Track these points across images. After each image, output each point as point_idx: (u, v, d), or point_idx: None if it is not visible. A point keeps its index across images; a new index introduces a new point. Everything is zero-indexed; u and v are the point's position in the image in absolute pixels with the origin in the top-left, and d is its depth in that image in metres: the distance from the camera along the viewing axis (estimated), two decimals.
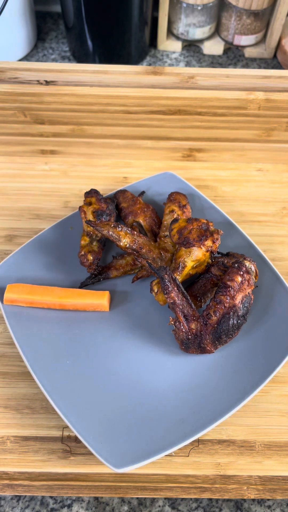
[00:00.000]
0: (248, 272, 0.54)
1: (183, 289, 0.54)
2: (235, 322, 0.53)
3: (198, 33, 0.84)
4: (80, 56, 0.83)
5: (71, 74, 0.66)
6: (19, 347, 0.55)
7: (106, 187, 0.71)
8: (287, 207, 0.70)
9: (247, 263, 0.56)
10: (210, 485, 0.51)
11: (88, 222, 0.58)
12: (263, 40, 0.87)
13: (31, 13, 0.82)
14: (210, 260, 0.58)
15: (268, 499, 0.52)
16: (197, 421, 0.51)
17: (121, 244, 0.58)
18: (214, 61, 0.86)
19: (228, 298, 0.53)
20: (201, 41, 0.86)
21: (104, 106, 0.67)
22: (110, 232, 0.58)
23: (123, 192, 0.66)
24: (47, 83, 0.65)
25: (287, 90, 0.66)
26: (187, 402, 0.52)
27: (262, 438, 0.53)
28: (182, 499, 0.52)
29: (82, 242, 0.62)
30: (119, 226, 0.58)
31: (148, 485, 0.51)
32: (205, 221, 0.58)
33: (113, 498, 0.52)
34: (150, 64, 0.86)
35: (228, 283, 0.53)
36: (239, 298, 0.53)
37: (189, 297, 0.54)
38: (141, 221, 0.63)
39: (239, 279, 0.54)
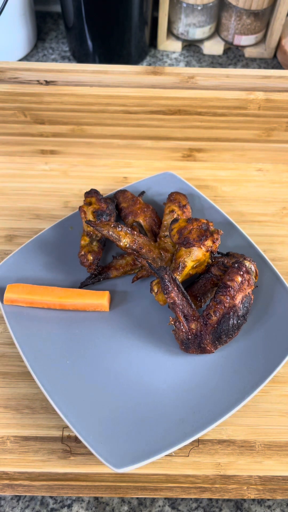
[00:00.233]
0: (248, 272, 0.54)
1: (183, 289, 0.54)
2: (235, 322, 0.53)
3: (198, 33, 0.84)
4: (80, 56, 0.83)
5: (71, 74, 0.65)
6: (19, 347, 0.55)
7: (106, 187, 0.71)
8: (287, 207, 0.70)
9: (247, 263, 0.56)
10: (210, 485, 0.51)
11: (88, 222, 0.58)
12: (263, 40, 0.87)
13: (31, 13, 0.82)
14: (210, 260, 0.58)
15: (268, 499, 0.52)
16: (197, 421, 0.51)
17: (121, 244, 0.58)
18: (214, 61, 0.86)
19: (228, 298, 0.53)
20: (201, 41, 0.86)
21: (104, 106, 0.67)
22: (110, 232, 0.58)
23: (123, 192, 0.66)
24: (47, 83, 0.65)
25: (287, 90, 0.66)
26: (187, 402, 0.52)
27: (262, 438, 0.53)
28: (182, 499, 0.52)
29: (82, 242, 0.62)
30: (119, 226, 0.58)
31: (148, 485, 0.51)
32: (205, 221, 0.58)
33: (113, 498, 0.52)
34: (150, 64, 0.86)
35: (228, 283, 0.53)
36: (239, 298, 0.53)
37: (189, 297, 0.54)
38: (141, 221, 0.63)
39: (239, 279, 0.54)
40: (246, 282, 0.54)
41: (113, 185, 0.71)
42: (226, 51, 0.88)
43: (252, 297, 0.55)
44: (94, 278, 0.60)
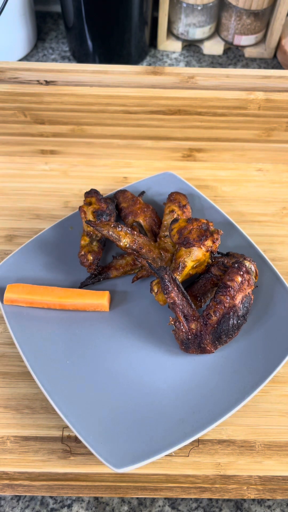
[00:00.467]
0: (248, 272, 0.54)
1: (183, 289, 0.54)
2: (235, 322, 0.53)
3: (198, 33, 0.84)
4: (80, 56, 0.83)
5: (71, 74, 0.65)
6: (19, 347, 0.55)
7: (106, 187, 0.71)
8: (287, 207, 0.70)
9: (247, 263, 0.56)
10: (210, 485, 0.51)
11: (88, 222, 0.58)
12: (263, 40, 0.87)
13: (31, 13, 0.82)
14: (210, 260, 0.58)
15: (268, 499, 0.52)
16: (197, 421, 0.51)
17: (121, 244, 0.58)
18: (214, 61, 0.86)
19: (228, 298, 0.53)
20: (201, 41, 0.86)
21: (104, 106, 0.67)
22: (110, 232, 0.58)
23: (123, 192, 0.66)
24: (47, 83, 0.65)
25: (287, 90, 0.66)
26: (187, 402, 0.52)
27: (262, 438, 0.53)
28: (182, 499, 0.52)
29: (82, 242, 0.62)
30: (119, 226, 0.58)
31: (148, 485, 0.51)
32: (205, 221, 0.58)
33: (113, 498, 0.52)
34: (150, 64, 0.86)
35: (228, 283, 0.53)
36: (239, 298, 0.53)
37: (189, 297, 0.54)
38: (141, 221, 0.63)
39: (239, 279, 0.54)
40: (246, 282, 0.54)
41: (113, 185, 0.71)
42: (226, 51, 0.88)
43: (252, 297, 0.55)
44: (94, 278, 0.60)
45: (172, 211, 0.63)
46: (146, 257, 0.59)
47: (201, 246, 0.56)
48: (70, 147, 0.73)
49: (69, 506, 0.52)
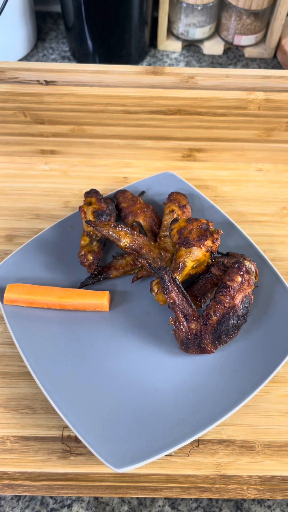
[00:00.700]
0: (248, 272, 0.54)
1: (183, 289, 0.54)
2: (235, 322, 0.53)
3: (198, 33, 0.84)
4: (80, 56, 0.83)
5: (71, 74, 0.65)
6: (19, 347, 0.55)
7: (106, 187, 0.71)
8: (287, 207, 0.70)
9: (247, 263, 0.56)
10: (210, 485, 0.51)
11: (88, 222, 0.58)
12: (263, 40, 0.87)
13: (31, 13, 0.82)
14: (210, 260, 0.58)
15: (268, 499, 0.52)
16: (197, 421, 0.51)
17: (121, 244, 0.58)
18: (214, 61, 0.86)
19: (228, 298, 0.53)
20: (201, 41, 0.86)
21: (104, 106, 0.67)
22: (110, 232, 0.58)
23: (123, 192, 0.66)
24: (47, 83, 0.65)
25: (287, 90, 0.66)
26: (187, 402, 0.52)
27: (262, 438, 0.54)
28: (182, 499, 0.52)
29: (82, 242, 0.62)
30: (119, 226, 0.58)
31: (148, 485, 0.51)
32: (205, 221, 0.58)
33: (113, 498, 0.52)
34: (150, 64, 0.86)
35: (228, 283, 0.53)
36: (239, 298, 0.53)
37: (189, 297, 0.54)
38: (141, 221, 0.63)
39: (239, 279, 0.54)
40: (246, 282, 0.54)
41: (113, 185, 0.71)
42: (226, 51, 0.88)
43: (252, 297, 0.55)
44: (94, 278, 0.60)
45: (172, 211, 0.63)
46: (146, 257, 0.59)
47: (201, 246, 0.56)
48: (70, 147, 0.73)
49: (69, 506, 0.52)
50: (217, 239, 0.57)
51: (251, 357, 0.55)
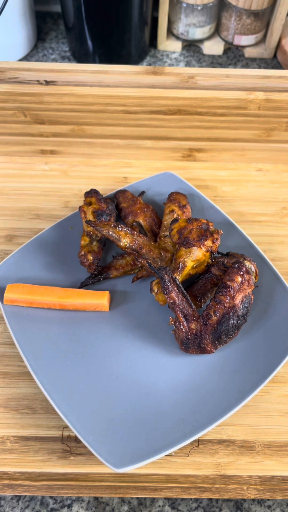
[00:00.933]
0: (248, 272, 0.54)
1: (183, 289, 0.54)
2: (235, 322, 0.53)
3: (198, 33, 0.84)
4: (80, 56, 0.83)
5: (71, 74, 0.65)
6: (19, 347, 0.55)
7: (106, 187, 0.71)
8: (287, 207, 0.70)
9: (247, 263, 0.56)
10: (210, 485, 0.51)
11: (88, 222, 0.58)
12: (263, 40, 0.87)
13: (31, 13, 0.82)
14: (210, 260, 0.58)
15: (268, 499, 0.52)
16: (197, 421, 0.51)
17: (121, 244, 0.58)
18: (214, 61, 0.86)
19: (228, 298, 0.53)
20: (201, 41, 0.86)
21: (104, 106, 0.67)
22: (110, 232, 0.58)
23: (123, 192, 0.66)
24: (47, 83, 0.65)
25: (287, 90, 0.66)
26: (187, 402, 0.52)
27: (262, 438, 0.54)
28: (182, 499, 0.52)
29: (82, 242, 0.62)
30: (119, 226, 0.58)
31: (148, 485, 0.51)
32: (205, 221, 0.58)
33: (113, 498, 0.52)
34: (150, 64, 0.86)
35: (228, 283, 0.53)
36: (239, 298, 0.53)
37: (189, 297, 0.54)
38: (141, 221, 0.63)
39: (239, 279, 0.54)
40: (246, 282, 0.54)
41: (113, 185, 0.71)
42: (226, 51, 0.88)
43: (252, 297, 0.55)
44: (94, 278, 0.60)
45: (172, 211, 0.63)
46: (146, 257, 0.59)
47: (201, 246, 0.56)
48: (70, 147, 0.73)
49: (69, 506, 0.52)
50: (217, 239, 0.57)
51: (251, 357, 0.55)
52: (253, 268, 0.56)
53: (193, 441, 0.52)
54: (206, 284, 0.58)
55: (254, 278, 0.55)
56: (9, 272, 0.60)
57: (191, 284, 0.59)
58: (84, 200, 0.63)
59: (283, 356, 0.54)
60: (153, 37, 0.87)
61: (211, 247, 0.57)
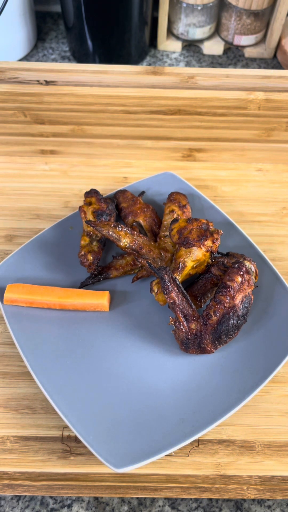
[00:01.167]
0: (248, 272, 0.54)
1: (183, 289, 0.54)
2: (235, 322, 0.53)
3: (198, 33, 0.84)
4: (80, 56, 0.83)
5: (71, 74, 0.65)
6: (19, 347, 0.55)
7: (106, 187, 0.71)
8: (287, 207, 0.70)
9: (247, 263, 0.56)
10: (210, 485, 0.51)
11: (88, 222, 0.58)
12: (263, 40, 0.87)
13: (31, 13, 0.82)
14: (210, 260, 0.58)
15: (268, 499, 0.52)
16: (197, 421, 0.51)
17: (121, 244, 0.58)
18: (214, 61, 0.86)
19: (228, 298, 0.53)
20: (201, 41, 0.86)
21: (104, 106, 0.67)
22: (110, 232, 0.58)
23: (123, 192, 0.66)
24: (47, 83, 0.65)
25: (287, 90, 0.66)
26: (187, 402, 0.52)
27: (262, 438, 0.54)
28: (182, 499, 0.52)
29: (82, 242, 0.62)
30: (119, 226, 0.58)
31: (148, 485, 0.51)
32: (205, 221, 0.58)
33: (113, 498, 0.52)
34: (150, 64, 0.86)
35: (228, 283, 0.53)
36: (239, 298, 0.53)
37: (189, 297, 0.54)
38: (141, 221, 0.63)
39: (239, 279, 0.54)
40: (246, 282, 0.54)
41: (113, 185, 0.71)
42: (226, 51, 0.88)
43: (252, 297, 0.55)
44: (94, 278, 0.60)
45: (172, 211, 0.63)
46: (146, 257, 0.59)
47: (201, 246, 0.56)
48: (70, 147, 0.73)
49: (69, 506, 0.52)
50: (217, 239, 0.57)
51: (251, 357, 0.55)
52: (253, 268, 0.56)
53: (193, 441, 0.52)
54: (206, 284, 0.58)
55: (254, 278, 0.55)
56: (9, 272, 0.60)
57: (191, 284, 0.59)
58: (84, 200, 0.63)
59: (283, 356, 0.54)
60: (153, 37, 0.87)
61: (211, 247, 0.57)
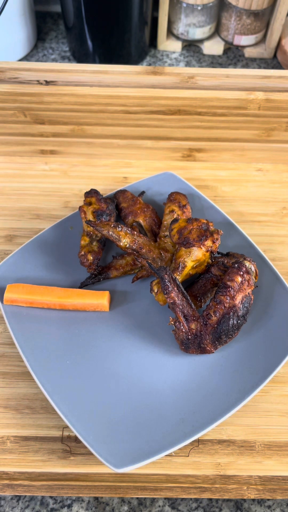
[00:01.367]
0: (248, 272, 0.54)
1: (183, 289, 0.54)
2: (235, 322, 0.53)
3: (198, 33, 0.84)
4: (80, 56, 0.83)
5: (71, 74, 0.65)
6: (19, 347, 0.55)
7: (106, 187, 0.71)
8: (287, 207, 0.70)
9: (247, 263, 0.56)
10: (210, 485, 0.51)
11: (88, 222, 0.58)
12: (263, 40, 0.87)
13: (31, 13, 0.82)
14: (210, 260, 0.58)
15: (268, 499, 0.52)
16: (197, 421, 0.51)
17: (121, 244, 0.58)
18: (214, 61, 0.86)
19: (228, 298, 0.53)
20: (201, 41, 0.86)
21: (104, 106, 0.67)
22: (110, 232, 0.58)
23: (123, 192, 0.66)
24: (47, 83, 0.65)
25: (287, 90, 0.66)
26: (187, 402, 0.52)
27: (262, 438, 0.54)
28: (182, 499, 0.52)
29: (82, 242, 0.62)
30: (119, 226, 0.58)
31: (148, 485, 0.51)
32: (205, 221, 0.58)
33: (113, 498, 0.52)
34: (150, 64, 0.86)
35: (228, 283, 0.53)
36: (239, 298, 0.53)
37: (189, 297, 0.54)
38: (141, 221, 0.63)
39: (239, 279, 0.54)
40: (246, 282, 0.54)
41: (113, 185, 0.71)
42: (226, 51, 0.88)
43: (252, 297, 0.55)
44: (94, 278, 0.60)
45: (172, 211, 0.63)
46: (146, 257, 0.59)
47: (201, 246, 0.56)
48: (70, 147, 0.73)
49: (69, 506, 0.52)
50: (217, 239, 0.57)
51: (251, 357, 0.55)
52: (253, 268, 0.56)
53: (193, 441, 0.52)
54: (206, 284, 0.58)
55: (254, 278, 0.55)
56: (9, 272, 0.60)
57: (191, 284, 0.59)
58: (84, 200, 0.63)
59: (283, 356, 0.54)
60: (153, 37, 0.87)
61: (211, 247, 0.57)
